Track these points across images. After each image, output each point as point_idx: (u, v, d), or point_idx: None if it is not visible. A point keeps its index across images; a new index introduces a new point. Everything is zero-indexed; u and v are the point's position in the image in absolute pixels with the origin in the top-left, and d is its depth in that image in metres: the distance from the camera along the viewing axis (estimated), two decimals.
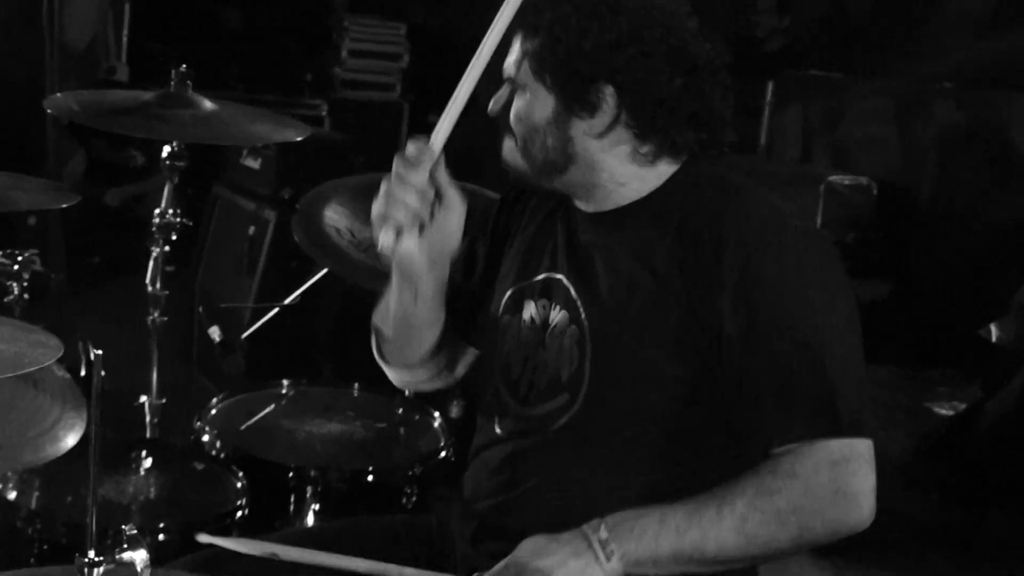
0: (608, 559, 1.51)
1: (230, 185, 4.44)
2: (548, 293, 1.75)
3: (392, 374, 1.99)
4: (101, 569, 1.23)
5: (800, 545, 1.54)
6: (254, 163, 4.32)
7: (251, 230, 4.20)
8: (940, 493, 3.55)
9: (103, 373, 2.60)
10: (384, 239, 1.69)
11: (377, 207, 1.70)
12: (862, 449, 1.52)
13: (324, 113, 6.03)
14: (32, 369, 1.47)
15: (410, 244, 1.71)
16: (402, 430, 2.74)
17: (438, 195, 1.71)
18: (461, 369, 2.03)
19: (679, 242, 1.63)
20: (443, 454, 2.58)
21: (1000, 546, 3.20)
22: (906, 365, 4.31)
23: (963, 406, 4.06)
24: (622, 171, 1.70)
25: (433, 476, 2.51)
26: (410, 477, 2.50)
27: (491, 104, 1.74)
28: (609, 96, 1.64)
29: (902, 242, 4.83)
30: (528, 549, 1.55)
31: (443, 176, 1.71)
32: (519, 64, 1.70)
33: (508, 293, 1.83)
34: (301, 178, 4.01)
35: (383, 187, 1.69)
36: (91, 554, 1.18)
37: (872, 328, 1.61)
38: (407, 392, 2.68)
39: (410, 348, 1.91)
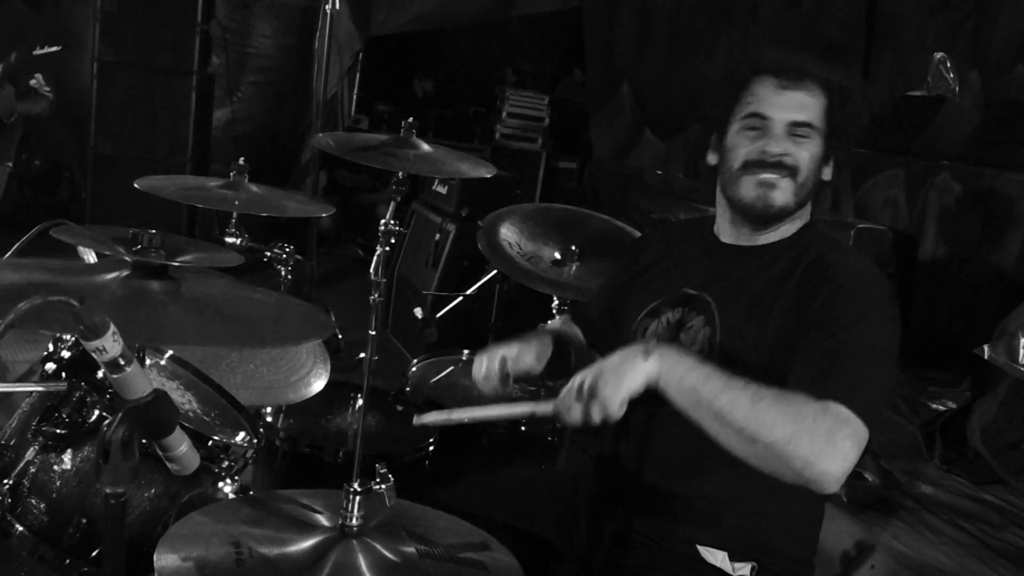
0: (647, 357, 1.35)
1: (424, 203, 4.37)
2: (686, 303, 1.60)
3: None
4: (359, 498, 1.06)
5: (782, 449, 1.29)
6: (442, 189, 4.24)
7: (437, 236, 4.10)
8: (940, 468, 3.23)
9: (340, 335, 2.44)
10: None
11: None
12: (860, 428, 1.32)
13: (487, 156, 5.95)
14: (313, 341, 1.32)
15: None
16: (543, 392, 2.57)
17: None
18: None
19: (804, 281, 1.49)
20: None
21: (1008, 515, 2.87)
22: (908, 368, 4.01)
23: (951, 403, 3.73)
24: (799, 212, 1.56)
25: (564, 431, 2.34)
26: (551, 430, 2.34)
27: (784, 147, 1.51)
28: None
29: (909, 274, 4.55)
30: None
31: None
32: (821, 115, 1.52)
33: (649, 305, 1.66)
34: (474, 202, 3.95)
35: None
36: (355, 484, 1.03)
37: None
38: None
39: None
